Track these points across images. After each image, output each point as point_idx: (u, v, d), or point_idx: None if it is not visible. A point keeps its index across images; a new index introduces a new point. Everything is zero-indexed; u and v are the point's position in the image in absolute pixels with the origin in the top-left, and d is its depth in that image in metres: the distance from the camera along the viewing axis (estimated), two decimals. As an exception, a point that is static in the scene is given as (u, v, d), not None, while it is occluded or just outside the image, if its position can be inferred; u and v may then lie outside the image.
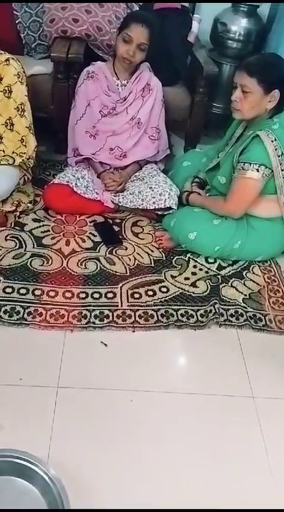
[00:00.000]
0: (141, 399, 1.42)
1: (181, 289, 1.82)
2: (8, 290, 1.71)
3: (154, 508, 1.16)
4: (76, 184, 2.11)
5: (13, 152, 1.99)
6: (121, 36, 2.02)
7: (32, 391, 1.39)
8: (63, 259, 1.89)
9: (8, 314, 1.62)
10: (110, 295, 1.76)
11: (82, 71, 2.18)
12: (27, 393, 1.39)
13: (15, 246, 1.92)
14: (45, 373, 1.45)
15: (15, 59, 1.97)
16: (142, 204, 2.08)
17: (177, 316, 1.70)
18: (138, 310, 1.71)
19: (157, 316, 1.69)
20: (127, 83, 2.18)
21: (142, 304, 1.74)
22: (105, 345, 1.57)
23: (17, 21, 2.39)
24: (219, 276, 1.90)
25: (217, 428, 1.38)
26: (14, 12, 2.38)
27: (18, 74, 1.94)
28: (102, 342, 1.58)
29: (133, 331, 1.64)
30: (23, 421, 1.31)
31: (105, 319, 1.66)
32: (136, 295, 1.77)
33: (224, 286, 1.86)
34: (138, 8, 2.48)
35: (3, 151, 1.97)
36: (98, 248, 1.98)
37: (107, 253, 1.96)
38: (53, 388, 1.41)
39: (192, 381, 1.52)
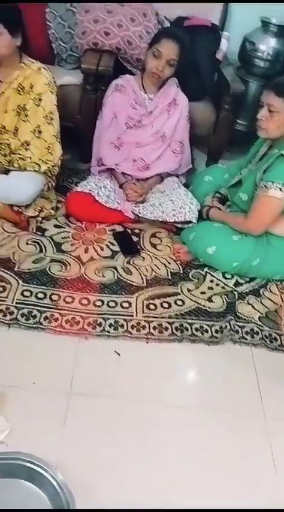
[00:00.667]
0: (151, 411, 1.42)
1: (197, 303, 1.82)
2: (27, 294, 1.73)
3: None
4: (98, 193, 2.14)
5: (39, 159, 2.03)
6: (151, 51, 2.06)
7: (44, 395, 1.41)
8: (81, 266, 1.92)
9: (25, 317, 1.64)
10: (126, 304, 1.77)
11: (111, 83, 2.22)
12: (39, 397, 1.40)
13: (36, 250, 1.95)
14: (58, 378, 1.46)
15: (47, 68, 2.02)
16: (162, 216, 2.09)
17: (192, 331, 1.70)
18: (153, 321, 1.71)
19: (172, 329, 1.70)
20: (154, 96, 2.22)
21: (157, 315, 1.74)
22: (118, 354, 1.58)
23: (49, 32, 2.46)
24: (236, 293, 1.90)
25: (226, 446, 1.37)
26: (47, 23, 2.45)
27: (48, 83, 1.99)
28: (115, 351, 1.59)
29: (147, 342, 1.64)
30: (33, 424, 1.32)
31: (119, 328, 1.66)
32: (152, 307, 1.77)
33: (241, 303, 1.86)
34: (169, 25, 2.53)
35: (30, 157, 2.01)
36: (116, 257, 1.99)
37: (125, 262, 1.97)
38: (65, 394, 1.42)
39: (204, 396, 1.51)
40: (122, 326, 1.67)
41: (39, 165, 2.03)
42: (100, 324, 1.66)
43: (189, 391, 1.55)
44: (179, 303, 1.81)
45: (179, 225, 2.12)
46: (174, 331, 1.69)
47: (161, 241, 2.13)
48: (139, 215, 2.16)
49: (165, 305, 1.79)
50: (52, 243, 2.01)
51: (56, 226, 2.11)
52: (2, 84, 1.98)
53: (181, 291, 1.87)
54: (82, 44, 2.38)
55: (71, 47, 2.46)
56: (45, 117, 2.01)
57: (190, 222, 2.07)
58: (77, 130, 2.47)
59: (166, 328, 1.69)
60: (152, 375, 1.54)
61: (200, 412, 1.45)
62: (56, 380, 1.46)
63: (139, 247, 2.07)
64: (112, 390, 1.46)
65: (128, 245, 2.07)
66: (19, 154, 2.00)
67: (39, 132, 2.01)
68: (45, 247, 1.98)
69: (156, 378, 1.53)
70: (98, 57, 2.31)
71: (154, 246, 2.09)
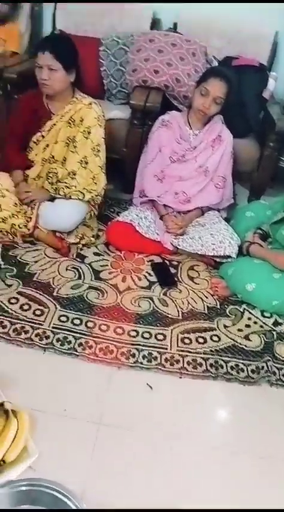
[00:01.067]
0: (180, 448, 1.38)
1: (233, 340, 1.78)
2: (63, 319, 1.76)
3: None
4: (139, 223, 2.17)
5: (84, 188, 2.09)
6: (199, 89, 2.11)
7: (74, 423, 1.40)
8: (118, 294, 1.93)
9: (60, 342, 1.65)
10: (160, 337, 1.75)
11: (158, 119, 2.29)
12: (70, 425, 1.39)
13: (75, 276, 1.99)
14: (89, 407, 1.45)
15: (97, 103, 2.11)
16: (201, 249, 2.09)
17: (227, 368, 1.66)
18: (187, 356, 1.69)
19: (206, 366, 1.66)
20: (199, 132, 2.26)
21: (192, 350, 1.71)
22: (151, 387, 1.56)
23: (101, 69, 2.58)
24: (274, 332, 1.84)
25: (256, 491, 1.30)
26: (100, 60, 2.58)
27: (98, 117, 2.07)
28: (147, 384, 1.56)
29: (180, 377, 1.61)
30: (62, 452, 1.31)
31: (153, 360, 1.65)
32: (187, 341, 1.75)
33: (279, 343, 1.80)
34: (217, 64, 2.59)
35: (75, 186, 2.07)
36: (153, 288, 1.99)
37: (161, 294, 1.97)
38: (94, 424, 1.40)
39: (236, 438, 1.45)
40: (156, 358, 1.65)
41: (84, 194, 2.09)
42: (133, 355, 1.65)
43: (221, 431, 1.49)
44: (215, 338, 1.78)
45: (218, 259, 2.10)
46: (209, 367, 1.65)
47: (199, 274, 2.12)
48: (179, 247, 2.17)
49: (200, 340, 1.76)
50: (91, 270, 2.04)
51: (95, 254, 2.15)
52: (55, 117, 2.09)
53: (218, 327, 1.83)
54: (132, 81, 2.48)
55: (121, 84, 2.56)
56: (93, 149, 2.08)
57: (229, 256, 2.05)
58: (122, 162, 2.54)
59: (201, 364, 1.66)
60: (183, 411, 1.50)
61: (231, 454, 1.39)
62: (86, 408, 1.45)
63: (176, 279, 2.06)
64: (141, 423, 1.43)
65: (165, 276, 2.07)
66: (65, 183, 2.08)
67: (86, 162, 2.08)
68: (83, 274, 2.01)
69: (187, 414, 1.49)
70: (146, 93, 2.39)
71: (191, 279, 2.08)
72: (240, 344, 1.77)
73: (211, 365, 1.66)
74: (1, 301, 1.78)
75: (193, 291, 2.01)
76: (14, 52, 2.68)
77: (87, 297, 1.88)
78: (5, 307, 1.75)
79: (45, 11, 2.84)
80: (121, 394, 1.52)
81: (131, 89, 2.49)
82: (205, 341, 1.76)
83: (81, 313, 1.79)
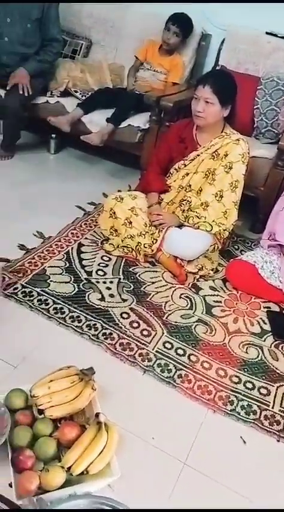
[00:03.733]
0: (260, 507, 1.27)
1: None
2: (168, 345, 1.75)
3: None
4: (262, 266, 2.09)
5: (213, 221, 2.09)
6: None
7: (159, 455, 1.37)
8: (227, 335, 1.87)
9: (160, 368, 1.65)
10: (264, 391, 1.64)
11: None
12: (155, 455, 1.37)
13: (186, 306, 1.98)
14: (177, 443, 1.41)
15: (245, 140, 2.10)
16: None
17: None
18: (290, 420, 1.55)
19: (309, 437, 1.51)
20: None
21: (296, 415, 1.57)
22: (244, 441, 1.46)
23: (255, 107, 2.58)
24: None
25: None
26: (256, 98, 2.58)
27: (243, 154, 2.06)
28: (241, 438, 1.47)
29: (278, 441, 1.48)
30: (142, 480, 1.29)
31: (251, 414, 1.55)
32: (292, 403, 1.61)
33: None
34: None
35: (205, 217, 2.08)
36: (265, 337, 1.89)
37: (273, 345, 1.86)
38: (179, 462, 1.36)
39: None
40: (255, 413, 1.55)
41: (212, 226, 2.09)
42: (232, 402, 1.57)
43: None
44: None
45: None
46: (312, 440, 1.50)
47: None
48: (301, 300, 2.03)
49: (307, 407, 1.61)
50: (204, 303, 2.02)
51: (211, 287, 2.12)
52: (200, 148, 2.13)
53: None
54: (284, 122, 2.43)
55: (272, 123, 2.53)
56: (231, 184, 2.07)
57: None
58: (256, 201, 2.49)
59: (303, 434, 1.51)
60: (274, 476, 1.38)
61: None
62: (174, 443, 1.41)
63: (292, 333, 1.93)
64: (227, 476, 1.35)
65: (281, 328, 1.94)
66: (196, 212, 2.09)
67: (221, 196, 2.08)
68: (195, 306, 1.99)
69: (278, 480, 1.37)
70: (297, 137, 2.32)
71: (309, 337, 1.93)
72: None
73: None
74: (114, 314, 1.84)
75: (308, 351, 1.86)
76: (174, 82, 2.82)
77: (194, 330, 1.86)
78: (117, 320, 1.82)
79: (211, 46, 2.95)
80: (212, 440, 1.45)
81: (282, 129, 2.43)
82: None
83: (186, 344, 1.77)
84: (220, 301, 2.05)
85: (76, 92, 2.88)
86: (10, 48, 2.77)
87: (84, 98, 2.83)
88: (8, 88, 2.73)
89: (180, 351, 1.74)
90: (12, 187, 2.62)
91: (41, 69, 2.82)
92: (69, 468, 1.20)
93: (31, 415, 1.33)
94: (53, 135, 3.04)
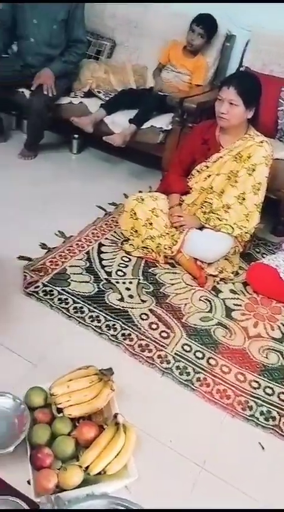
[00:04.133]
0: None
1: None
2: (186, 348, 1.75)
3: None
4: (284, 270, 2.06)
5: (234, 223, 2.07)
6: None
7: (178, 458, 1.36)
8: (246, 339, 1.85)
9: (179, 371, 1.64)
10: (284, 397, 1.62)
11: None
12: (173, 458, 1.36)
13: (206, 308, 1.97)
14: (195, 446, 1.40)
15: (269, 142, 2.07)
16: None
17: None
18: (310, 427, 1.53)
19: None
20: None
21: None
22: (263, 447, 1.45)
23: (279, 109, 2.54)
24: None
25: None
26: (280, 100, 2.55)
27: (266, 156, 2.03)
28: (259, 444, 1.45)
29: (297, 448, 1.46)
30: (159, 483, 1.28)
31: (270, 420, 1.53)
32: None
33: None
34: None
35: (227, 220, 2.06)
36: (285, 342, 1.87)
37: (293, 351, 1.83)
38: (196, 467, 1.35)
39: None
40: (274, 419, 1.53)
41: (233, 229, 2.07)
42: (250, 408, 1.56)
43: None
44: None
45: None
46: None
47: None
48: None
49: None
50: (223, 306, 2.00)
51: (231, 291, 2.10)
52: (223, 150, 2.11)
53: None
54: (308, 125, 2.39)
55: (296, 125, 2.49)
56: (253, 187, 2.05)
57: None
58: (278, 203, 2.46)
59: None
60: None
61: None
62: (192, 447, 1.40)
63: None
64: (245, 481, 1.33)
65: (302, 334, 1.92)
66: (218, 214, 2.08)
67: (243, 199, 2.06)
68: (215, 308, 1.98)
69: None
70: None
71: None
72: None
73: None
74: (134, 315, 1.84)
75: None
76: (198, 84, 2.81)
77: (214, 333, 1.85)
78: (136, 321, 1.82)
79: (235, 47, 2.92)
80: (230, 444, 1.44)
81: (306, 132, 2.40)
82: None
83: (205, 348, 1.76)
84: (240, 305, 2.03)
85: (99, 92, 2.89)
86: (35, 49, 2.81)
87: (107, 98, 2.84)
88: (33, 88, 2.77)
89: (199, 354, 1.73)
90: (34, 187, 2.65)
91: (65, 70, 2.85)
92: (86, 468, 1.21)
93: (50, 413, 1.35)
94: (76, 136, 3.07)
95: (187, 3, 2.85)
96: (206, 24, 2.75)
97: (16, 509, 1.08)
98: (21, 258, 2.04)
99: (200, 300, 2.01)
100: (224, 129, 2.10)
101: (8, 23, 2.82)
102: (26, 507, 1.08)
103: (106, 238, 2.30)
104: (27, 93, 2.84)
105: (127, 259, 2.17)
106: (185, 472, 1.33)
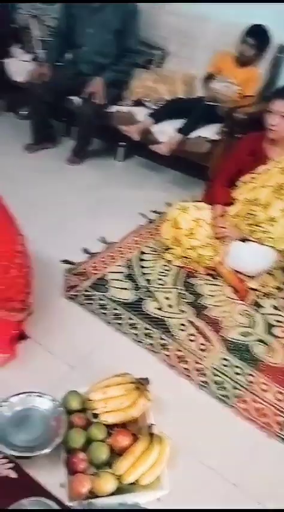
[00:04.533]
0: None
1: None
2: (225, 363, 1.72)
3: None
4: None
5: (279, 237, 2.02)
6: None
7: (210, 474, 1.34)
8: (287, 357, 1.80)
9: (216, 385, 1.62)
10: None
11: None
12: (205, 474, 1.34)
13: (246, 323, 1.93)
14: (229, 465, 1.37)
15: None
16: None
17: None
18: None
19: None
20: None
21: None
22: (299, 472, 1.40)
23: None
24: None
25: None
26: None
27: None
28: (296, 467, 1.41)
29: None
30: (190, 498, 1.26)
31: (309, 443, 1.47)
32: None
33: None
34: None
35: (271, 233, 2.02)
36: None
37: None
38: (230, 484, 1.32)
39: None
40: None
41: (278, 243, 2.02)
42: (289, 429, 1.51)
43: None
44: None
45: None
46: None
47: None
48: None
49: None
50: (265, 322, 1.95)
51: (273, 307, 2.05)
52: (271, 162, 2.08)
53: None
54: None
55: None
56: (301, 201, 2.00)
57: None
58: None
59: None
60: None
61: None
62: (226, 465, 1.37)
63: None
64: (278, 505, 1.29)
65: None
66: (262, 227, 2.04)
67: (289, 212, 2.01)
68: (255, 324, 1.93)
69: None
70: None
71: None
72: None
73: None
74: (172, 325, 1.84)
75: None
76: (248, 94, 2.77)
77: (253, 349, 1.80)
78: (174, 332, 1.81)
79: (287, 59, 2.87)
80: (265, 464, 1.40)
81: None
82: None
83: (244, 363, 1.72)
84: (282, 322, 1.97)
85: (147, 101, 2.92)
86: (88, 58, 2.88)
87: (155, 107, 2.86)
88: (84, 96, 2.83)
89: (238, 370, 1.70)
90: (79, 192, 2.70)
91: (116, 78, 2.89)
92: (119, 476, 1.21)
93: (86, 418, 1.36)
94: (122, 143, 3.10)
95: (239, 11, 2.82)
96: (258, 36, 2.71)
97: (47, 510, 1.10)
98: (64, 262, 2.08)
99: (240, 314, 1.98)
100: (273, 141, 2.06)
101: (63, 31, 2.90)
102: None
103: (148, 246, 2.31)
104: (78, 100, 2.90)
105: (168, 268, 2.17)
106: (217, 490, 1.31)
